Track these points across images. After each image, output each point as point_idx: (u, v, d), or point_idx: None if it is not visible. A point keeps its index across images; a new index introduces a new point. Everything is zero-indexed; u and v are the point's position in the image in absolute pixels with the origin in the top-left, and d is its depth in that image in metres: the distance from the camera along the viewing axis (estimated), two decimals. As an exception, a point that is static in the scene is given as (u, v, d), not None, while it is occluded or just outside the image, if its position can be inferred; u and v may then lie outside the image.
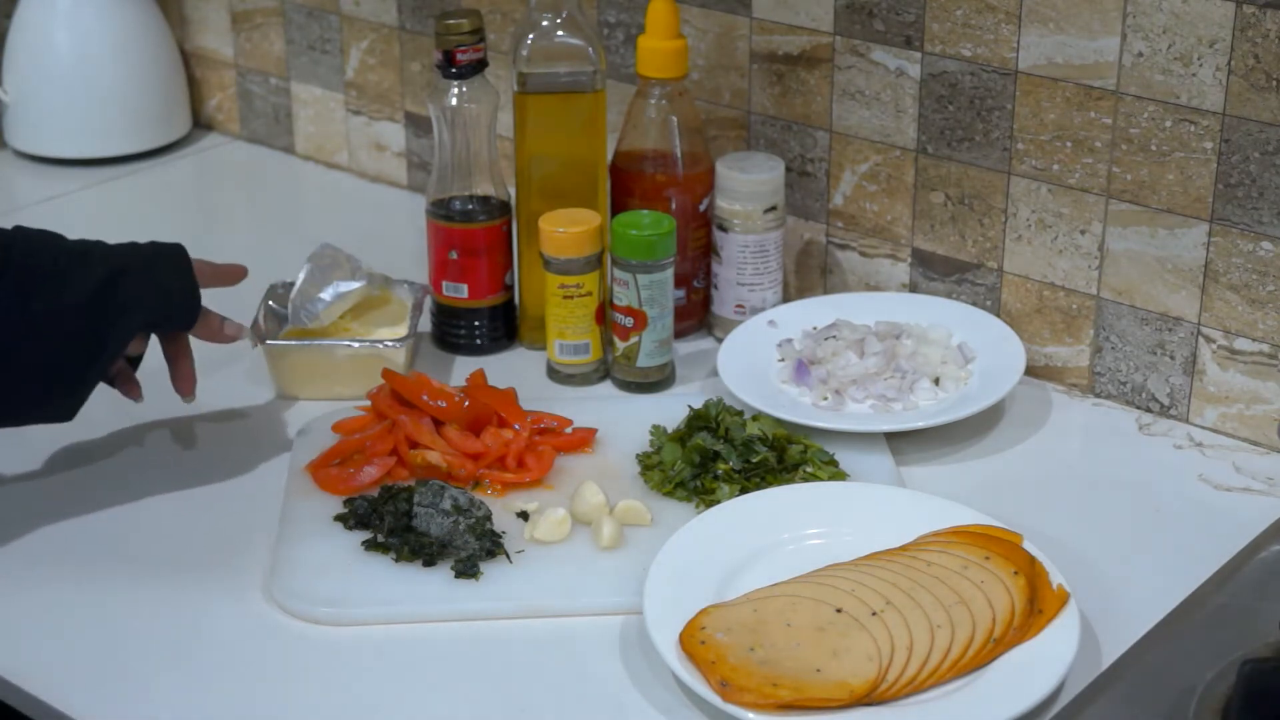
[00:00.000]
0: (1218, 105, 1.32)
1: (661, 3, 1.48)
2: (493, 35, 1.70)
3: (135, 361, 1.38)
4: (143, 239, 1.78)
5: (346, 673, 1.15)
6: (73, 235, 1.79)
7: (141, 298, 1.30)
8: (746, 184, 1.50)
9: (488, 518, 1.26)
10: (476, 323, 1.53)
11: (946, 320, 1.48)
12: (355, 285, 1.49)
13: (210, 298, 1.64)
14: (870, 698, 1.08)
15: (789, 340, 1.48)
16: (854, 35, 1.49)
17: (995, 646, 1.12)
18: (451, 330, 1.54)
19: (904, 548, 1.21)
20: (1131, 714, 1.12)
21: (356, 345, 1.45)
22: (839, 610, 1.14)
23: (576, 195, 1.49)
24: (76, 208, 1.86)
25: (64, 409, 1.28)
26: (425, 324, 1.55)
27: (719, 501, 1.28)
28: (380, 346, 1.45)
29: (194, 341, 1.45)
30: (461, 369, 1.50)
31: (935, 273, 1.52)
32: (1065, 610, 1.14)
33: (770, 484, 1.30)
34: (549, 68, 1.47)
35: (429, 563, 1.23)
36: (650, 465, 1.34)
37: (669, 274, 1.44)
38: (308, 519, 1.28)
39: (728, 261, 1.52)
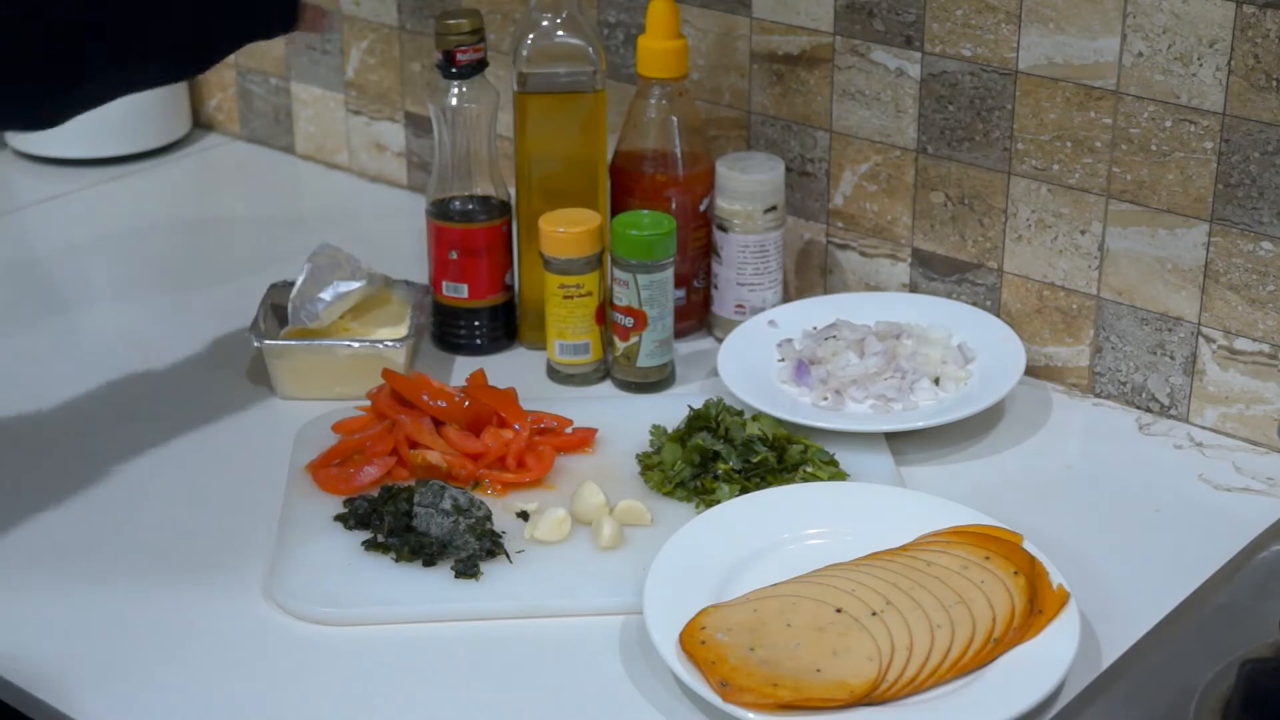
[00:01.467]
0: (1218, 105, 1.32)
1: (661, 3, 1.48)
2: (493, 35, 1.70)
3: None
4: (142, 239, 1.79)
5: (346, 673, 1.15)
6: (73, 236, 1.80)
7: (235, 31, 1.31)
8: (746, 184, 1.50)
9: (488, 518, 1.26)
10: (476, 323, 1.53)
11: (946, 320, 1.48)
12: (355, 285, 1.49)
13: (207, 300, 1.64)
14: (870, 698, 1.08)
15: (789, 340, 1.48)
16: (854, 35, 1.49)
17: (995, 646, 1.12)
18: (451, 330, 1.54)
19: (904, 548, 1.21)
20: (1131, 714, 1.12)
21: (356, 345, 1.45)
22: (839, 610, 1.14)
23: (576, 195, 1.49)
24: (76, 208, 1.86)
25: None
26: (425, 324, 1.55)
27: (719, 501, 1.28)
28: (380, 346, 1.45)
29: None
30: (461, 369, 1.50)
31: (935, 273, 1.52)
32: (1065, 610, 1.14)
33: (770, 484, 1.30)
34: (549, 68, 1.47)
35: (429, 563, 1.23)
36: (650, 465, 1.34)
37: (669, 274, 1.44)
38: (308, 519, 1.28)
39: (728, 261, 1.52)
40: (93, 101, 1.27)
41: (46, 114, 1.24)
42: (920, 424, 1.37)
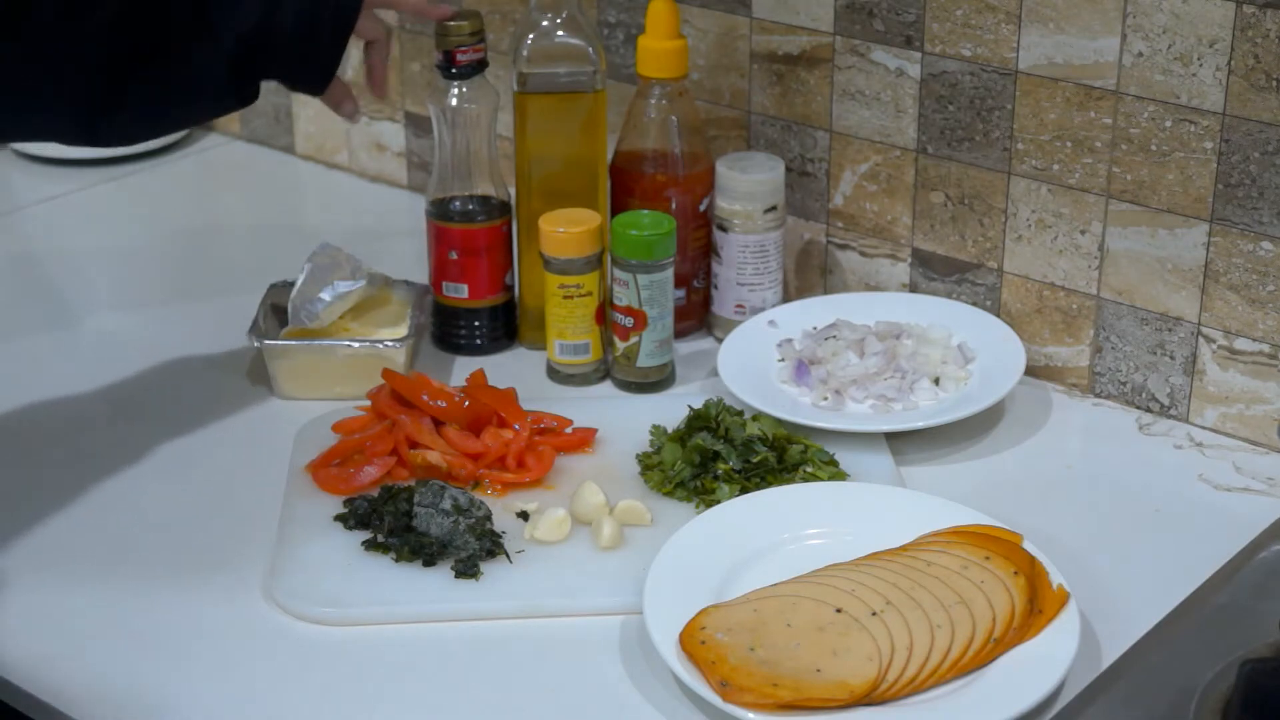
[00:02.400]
0: (1218, 105, 1.32)
1: (661, 3, 1.48)
2: (492, 35, 1.70)
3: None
4: (142, 239, 1.80)
5: (346, 673, 1.15)
6: (73, 236, 1.80)
7: (273, 68, 1.34)
8: (746, 184, 1.50)
9: (488, 518, 1.26)
10: (476, 323, 1.53)
11: (946, 320, 1.48)
12: (355, 285, 1.49)
13: (207, 300, 1.64)
14: (870, 698, 1.08)
15: (789, 340, 1.48)
16: (854, 35, 1.49)
17: (995, 646, 1.12)
18: (451, 330, 1.54)
19: (904, 548, 1.21)
20: (1131, 714, 1.12)
21: (356, 345, 1.45)
22: (839, 610, 1.14)
23: (576, 195, 1.49)
24: (76, 208, 1.86)
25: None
26: (425, 324, 1.55)
27: (719, 501, 1.28)
28: (380, 346, 1.45)
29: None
30: (461, 369, 1.50)
31: (935, 273, 1.52)
32: (1065, 610, 1.14)
33: (770, 484, 1.30)
34: (549, 68, 1.47)
35: (429, 563, 1.23)
36: (650, 465, 1.34)
37: (669, 274, 1.44)
38: (308, 519, 1.28)
39: (728, 261, 1.52)
40: (139, 131, 1.33)
41: (89, 134, 1.28)
42: (920, 424, 1.37)
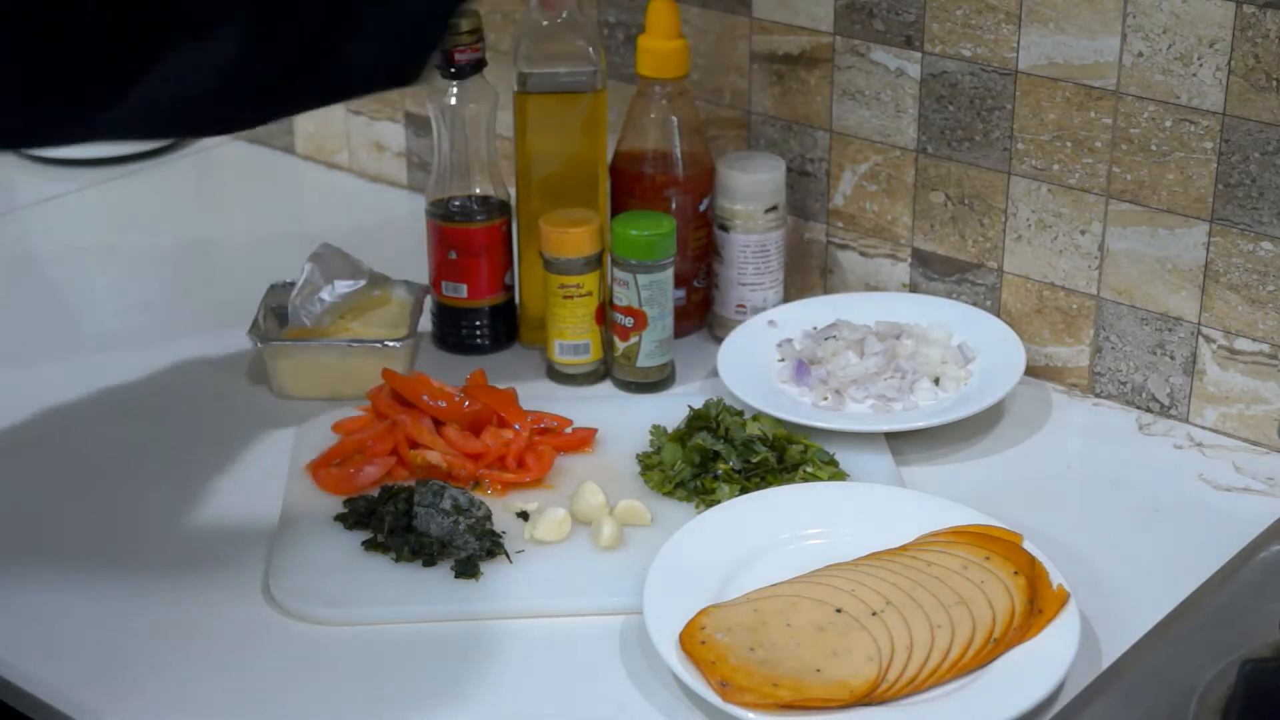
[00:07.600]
0: (1218, 105, 1.32)
1: (661, 3, 1.48)
2: (492, 35, 1.70)
3: None
4: (142, 239, 1.80)
5: (346, 673, 1.15)
6: (73, 236, 1.80)
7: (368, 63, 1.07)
8: (747, 184, 1.50)
9: (488, 518, 1.26)
10: (477, 323, 1.53)
11: (946, 320, 1.48)
12: (355, 285, 1.49)
13: (211, 303, 1.64)
14: (870, 698, 1.08)
15: (789, 340, 1.48)
16: (854, 35, 1.49)
17: (995, 646, 1.12)
18: (451, 330, 1.54)
19: (904, 548, 1.21)
20: (1131, 714, 1.12)
21: (356, 345, 1.45)
22: (839, 610, 1.14)
23: (576, 195, 1.49)
24: (76, 208, 1.86)
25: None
26: (425, 324, 1.55)
27: (719, 501, 1.28)
28: (380, 346, 1.45)
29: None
30: (461, 369, 1.50)
31: (935, 273, 1.52)
32: (1065, 610, 1.14)
33: (770, 484, 1.30)
34: (549, 68, 1.47)
35: (429, 563, 1.23)
36: (650, 465, 1.33)
37: (669, 274, 1.44)
38: (308, 519, 1.28)
39: (728, 261, 1.52)
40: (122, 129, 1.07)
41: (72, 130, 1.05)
42: (920, 424, 1.37)
